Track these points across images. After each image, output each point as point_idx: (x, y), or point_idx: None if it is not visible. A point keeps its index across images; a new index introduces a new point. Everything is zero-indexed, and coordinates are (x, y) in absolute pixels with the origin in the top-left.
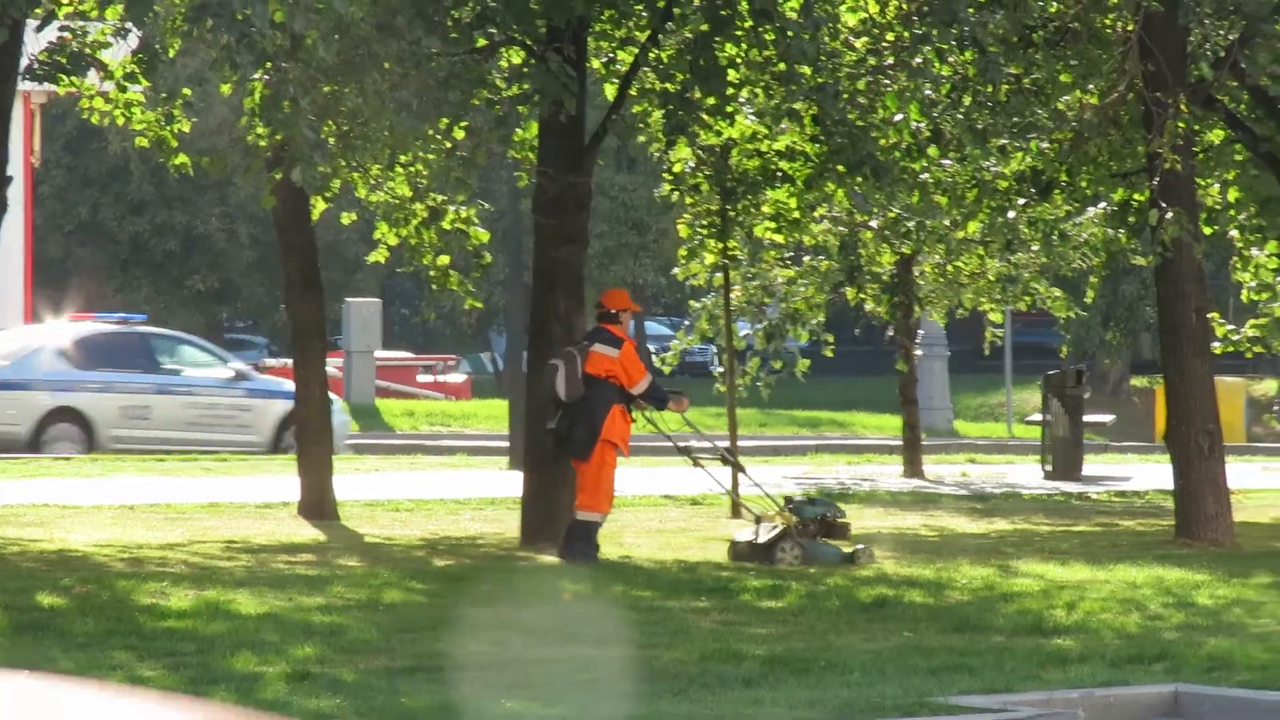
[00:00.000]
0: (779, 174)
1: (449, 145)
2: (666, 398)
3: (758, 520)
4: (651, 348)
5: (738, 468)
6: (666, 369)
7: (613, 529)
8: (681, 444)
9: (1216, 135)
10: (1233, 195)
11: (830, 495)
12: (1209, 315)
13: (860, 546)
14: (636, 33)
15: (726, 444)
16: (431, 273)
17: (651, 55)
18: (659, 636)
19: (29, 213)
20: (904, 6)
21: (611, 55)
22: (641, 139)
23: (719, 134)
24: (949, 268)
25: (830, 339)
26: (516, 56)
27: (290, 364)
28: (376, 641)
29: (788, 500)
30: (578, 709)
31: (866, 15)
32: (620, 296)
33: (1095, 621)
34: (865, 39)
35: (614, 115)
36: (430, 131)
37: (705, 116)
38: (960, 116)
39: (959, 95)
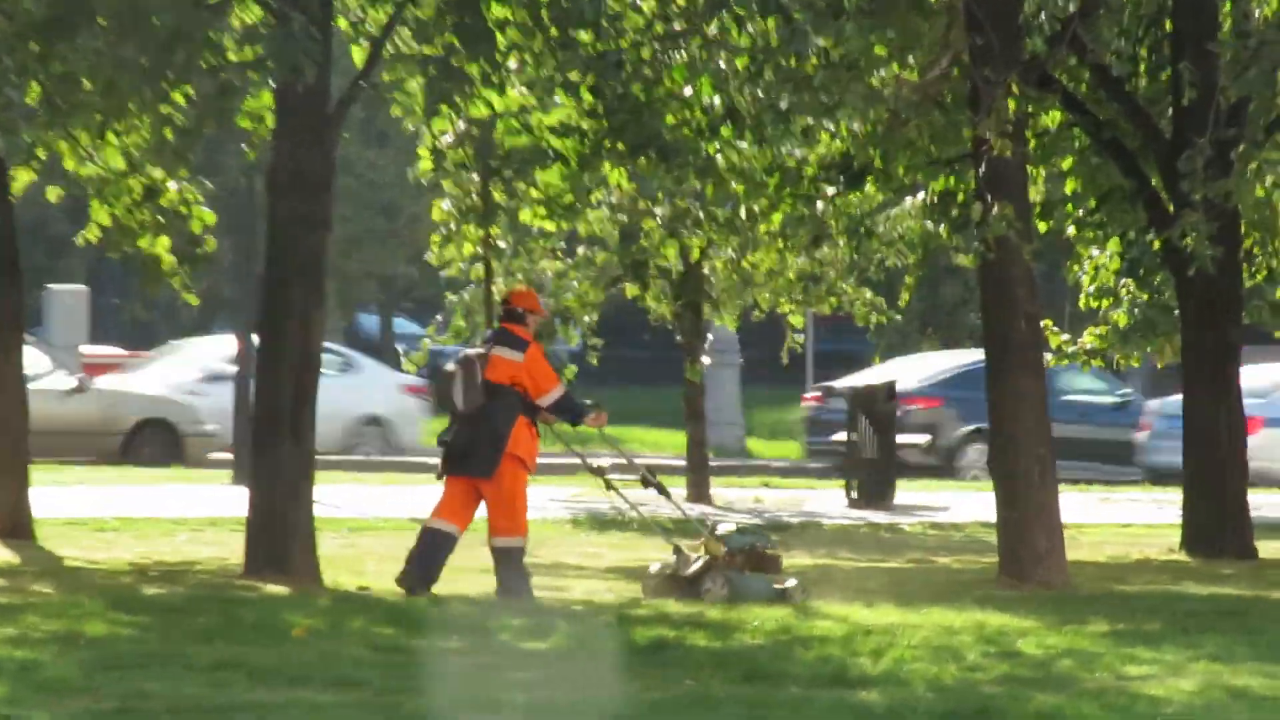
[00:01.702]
0: (550, 153)
1: (167, 111)
2: (582, 410)
3: (677, 551)
4: (399, 347)
5: (661, 491)
6: (411, 369)
7: (353, 555)
8: (593, 462)
9: (1053, 118)
10: (1070, 186)
11: (615, 521)
12: (1041, 323)
13: (792, 582)
14: None
15: (649, 462)
16: (144, 259)
17: (409, 14)
18: (403, 680)
19: None
20: None
21: (361, 15)
22: (395, 110)
23: (488, 105)
24: (743, 263)
25: (598, 343)
26: (251, 15)
27: None
28: (77, 680)
29: (712, 529)
30: None
31: None
32: (529, 296)
33: (906, 672)
34: (653, 2)
35: (362, 82)
36: (150, 98)
37: (471, 86)
38: (760, 93)
39: (759, 68)
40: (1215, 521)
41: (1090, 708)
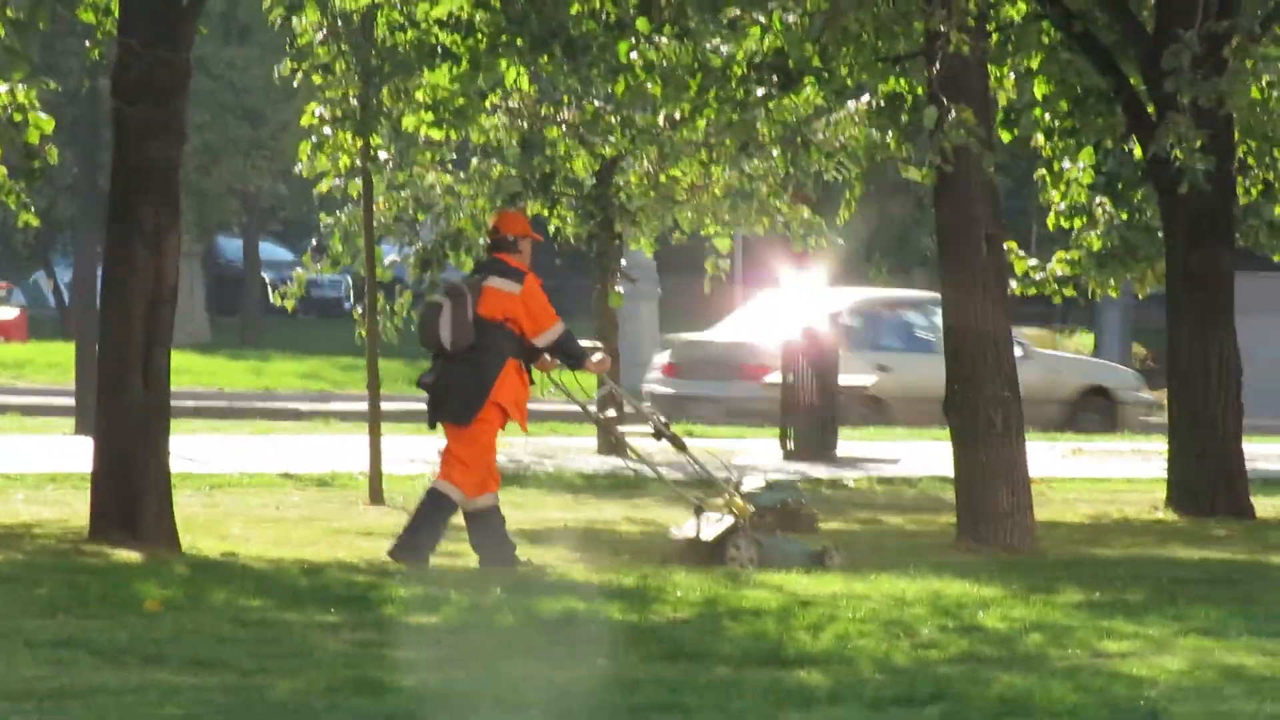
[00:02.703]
0: (439, 50)
1: None
2: (584, 353)
3: (698, 511)
4: (267, 276)
5: (677, 443)
6: (288, 305)
7: (215, 516)
8: (594, 411)
9: (1018, 9)
10: (1039, 89)
11: (515, 475)
12: (1005, 246)
13: (829, 545)
14: None
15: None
16: None
17: None
18: (273, 660)
19: None
20: None
21: None
22: (266, 3)
23: None
24: (662, 177)
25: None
26: None
27: None
28: None
29: (736, 485)
30: None
31: None
32: (520, 220)
33: (850, 649)
34: None
35: None
36: None
37: None
38: None
39: None
40: (1205, 476)
41: (1062, 689)
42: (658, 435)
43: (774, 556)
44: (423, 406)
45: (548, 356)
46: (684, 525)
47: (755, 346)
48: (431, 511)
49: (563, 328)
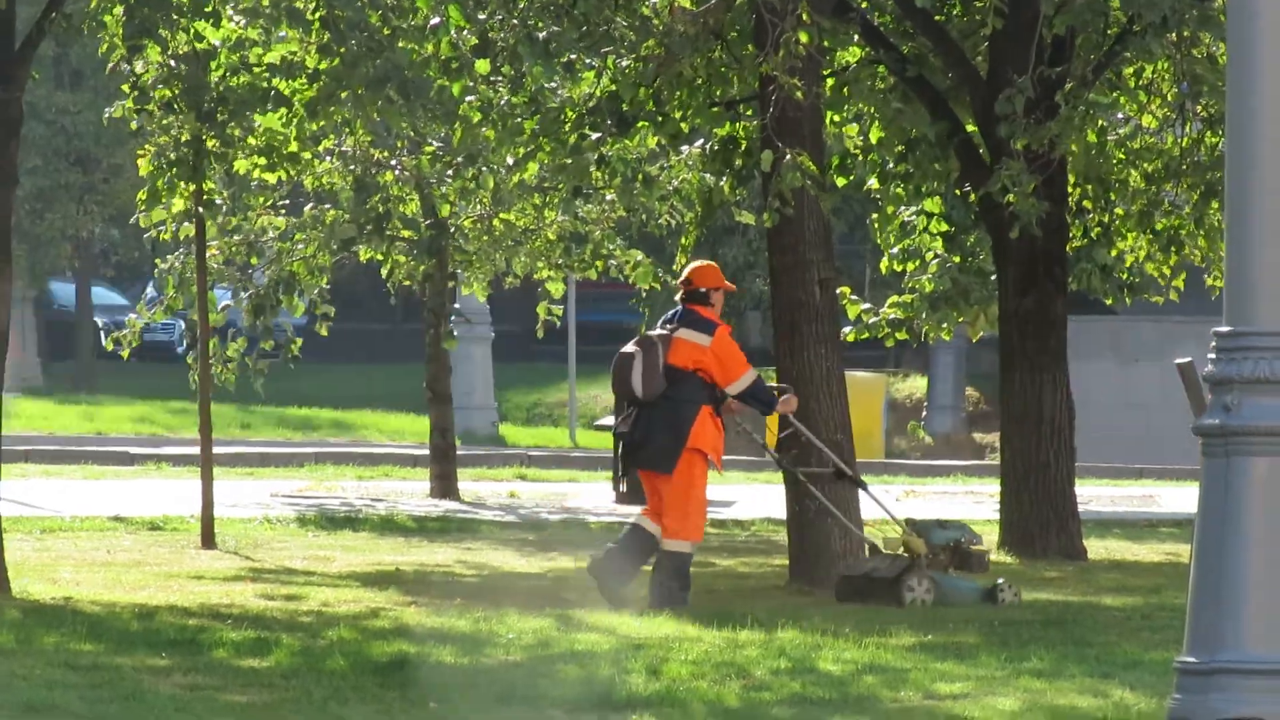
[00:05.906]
0: (273, 94)
1: None
2: (774, 398)
3: (873, 550)
4: (100, 320)
5: (857, 483)
6: (123, 354)
7: (46, 560)
8: (776, 454)
9: (852, 54)
10: (873, 135)
11: (348, 519)
12: (838, 290)
13: (1002, 581)
14: None
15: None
16: None
17: None
18: (104, 704)
19: None
20: None
21: None
22: (104, 48)
23: (201, 38)
24: (495, 222)
25: (329, 311)
26: None
27: None
28: None
29: (911, 523)
30: None
31: None
32: (712, 272)
33: (683, 691)
34: None
35: (54, 13)
36: None
37: (179, 16)
38: (516, 23)
39: None
40: (1038, 518)
41: None
42: (838, 475)
43: (948, 594)
44: (254, 449)
45: (733, 403)
46: (857, 563)
47: None
48: (665, 570)
49: (754, 375)
